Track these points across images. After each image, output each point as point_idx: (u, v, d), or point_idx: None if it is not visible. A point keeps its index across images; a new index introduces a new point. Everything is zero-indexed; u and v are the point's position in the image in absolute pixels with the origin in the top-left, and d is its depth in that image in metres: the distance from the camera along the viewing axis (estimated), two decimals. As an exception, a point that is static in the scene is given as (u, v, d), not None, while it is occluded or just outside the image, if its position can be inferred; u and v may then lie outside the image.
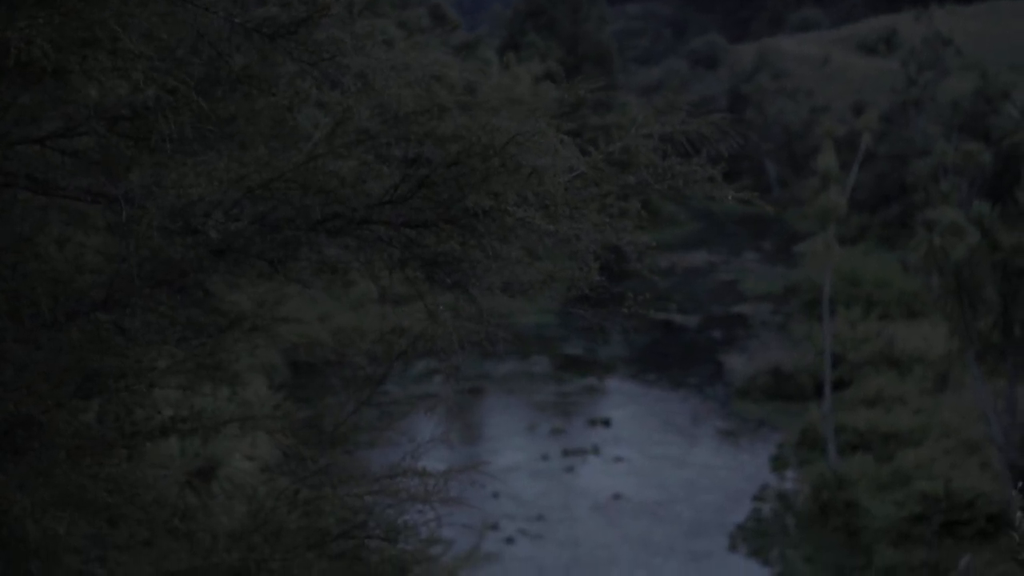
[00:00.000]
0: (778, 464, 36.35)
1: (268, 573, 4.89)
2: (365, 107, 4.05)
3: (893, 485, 31.97)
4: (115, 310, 5.03)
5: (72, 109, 4.29)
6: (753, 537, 30.71)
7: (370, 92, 3.99)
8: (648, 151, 4.00)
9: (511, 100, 4.52)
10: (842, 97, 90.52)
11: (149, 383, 5.14)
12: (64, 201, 4.76)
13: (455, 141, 3.81)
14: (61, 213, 5.20)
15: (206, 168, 4.12)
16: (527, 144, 3.73)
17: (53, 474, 4.69)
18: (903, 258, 49.15)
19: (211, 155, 4.11)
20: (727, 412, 42.12)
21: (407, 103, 3.98)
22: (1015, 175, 40.27)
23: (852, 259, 54.39)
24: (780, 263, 66.25)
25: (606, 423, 40.31)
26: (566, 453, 36.98)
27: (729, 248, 75.59)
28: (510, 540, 30.27)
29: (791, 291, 56.94)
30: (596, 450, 37.36)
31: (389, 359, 5.67)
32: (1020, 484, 11.25)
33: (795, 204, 75.19)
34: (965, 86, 71.93)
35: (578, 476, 35.25)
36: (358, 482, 5.38)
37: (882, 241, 64.04)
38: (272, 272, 4.29)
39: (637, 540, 30.75)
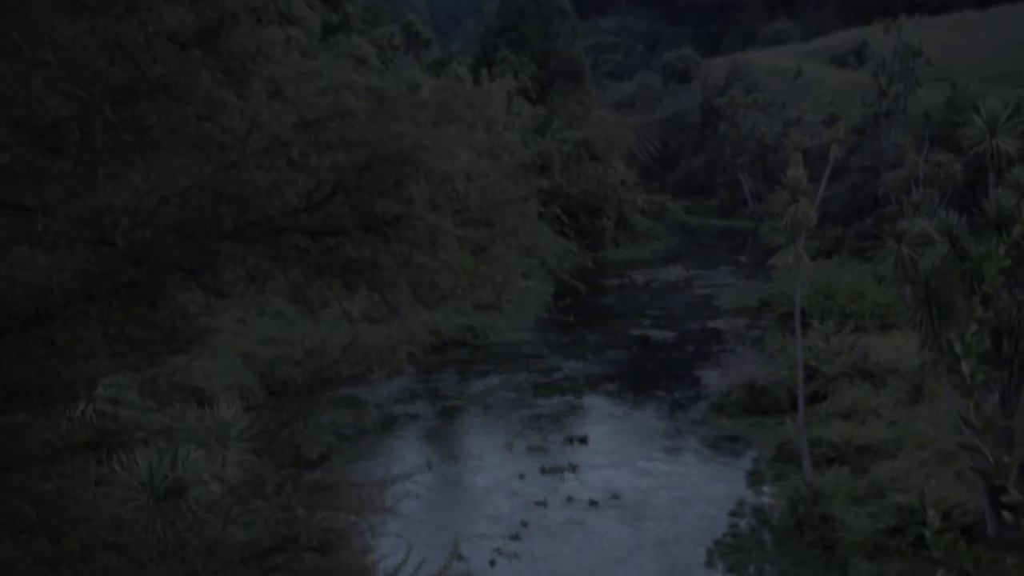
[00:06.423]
0: (754, 479, 36.35)
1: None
2: (275, 114, 4.04)
3: (868, 498, 31.99)
4: (46, 324, 4.99)
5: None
6: (730, 552, 30.68)
7: (280, 99, 3.99)
8: (562, 156, 4.01)
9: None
10: (815, 110, 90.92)
11: (71, 395, 5.10)
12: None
13: (363, 147, 3.80)
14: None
15: (121, 177, 4.10)
16: (436, 149, 3.73)
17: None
18: (876, 270, 49.39)
19: (124, 166, 4.09)
20: (704, 428, 42.13)
21: (317, 110, 3.97)
22: (985, 185, 40.50)
23: (826, 272, 54.58)
24: (756, 277, 66.48)
25: (583, 440, 40.30)
26: (544, 471, 36.92)
27: (706, 262, 75.81)
28: (492, 564, 30.13)
29: (765, 305, 57.05)
30: (573, 468, 37.32)
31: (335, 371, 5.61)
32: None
33: (769, 218, 75.55)
34: (936, 97, 72.39)
35: (555, 494, 35.17)
36: (294, 495, 5.35)
37: (856, 253, 64.30)
38: (190, 282, 4.27)
39: (614, 557, 30.69)
